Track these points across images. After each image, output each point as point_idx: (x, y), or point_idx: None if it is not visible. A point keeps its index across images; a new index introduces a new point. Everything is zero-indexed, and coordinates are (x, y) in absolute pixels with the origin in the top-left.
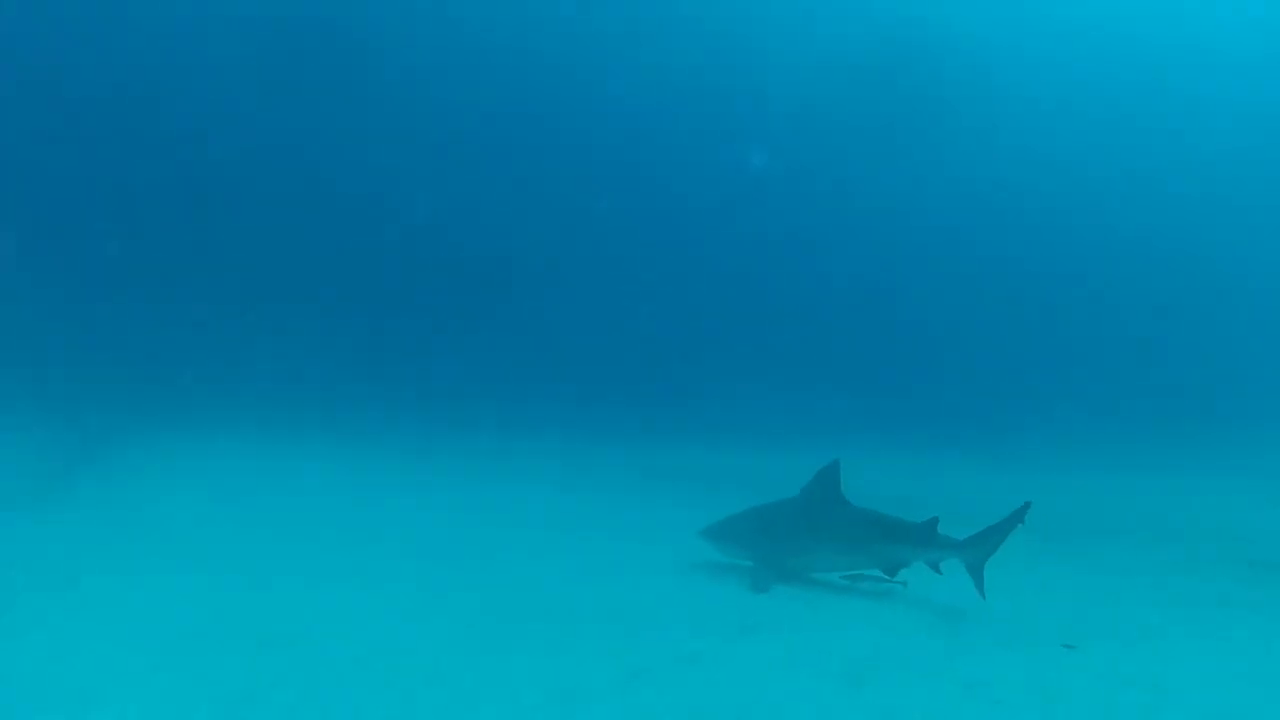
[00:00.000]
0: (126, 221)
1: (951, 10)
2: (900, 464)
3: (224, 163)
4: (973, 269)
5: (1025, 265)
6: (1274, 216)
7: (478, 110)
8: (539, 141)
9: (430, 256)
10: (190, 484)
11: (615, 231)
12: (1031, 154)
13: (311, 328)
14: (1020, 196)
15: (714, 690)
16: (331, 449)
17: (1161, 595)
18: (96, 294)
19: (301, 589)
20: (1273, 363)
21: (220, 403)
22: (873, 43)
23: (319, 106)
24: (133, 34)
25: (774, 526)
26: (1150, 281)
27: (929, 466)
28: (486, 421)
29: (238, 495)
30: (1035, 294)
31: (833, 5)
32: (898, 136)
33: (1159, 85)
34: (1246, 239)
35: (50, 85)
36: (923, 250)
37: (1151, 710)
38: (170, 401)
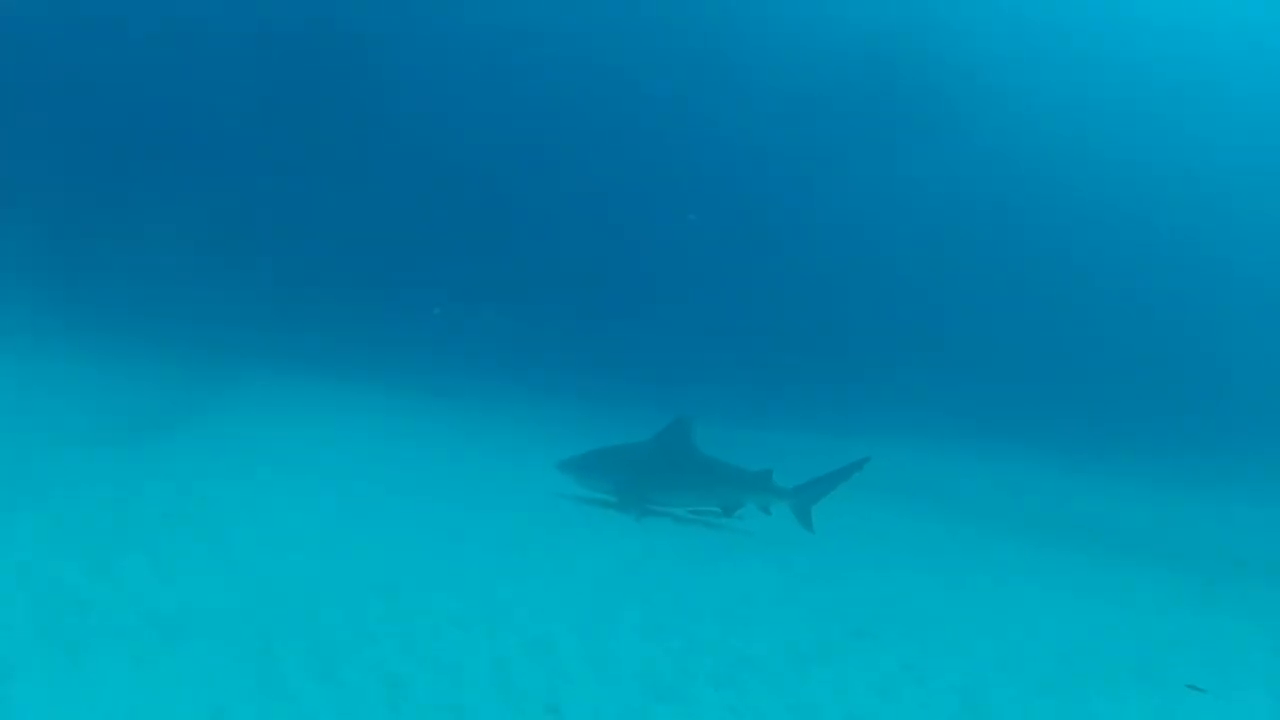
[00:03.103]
0: (251, 188)
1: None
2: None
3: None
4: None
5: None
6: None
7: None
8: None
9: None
10: (295, 417)
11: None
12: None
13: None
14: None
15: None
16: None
17: None
18: (211, 250)
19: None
20: None
21: (324, 354)
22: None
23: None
24: None
25: (630, 464)
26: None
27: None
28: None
29: (333, 426)
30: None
31: None
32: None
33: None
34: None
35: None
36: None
37: None
38: (277, 350)
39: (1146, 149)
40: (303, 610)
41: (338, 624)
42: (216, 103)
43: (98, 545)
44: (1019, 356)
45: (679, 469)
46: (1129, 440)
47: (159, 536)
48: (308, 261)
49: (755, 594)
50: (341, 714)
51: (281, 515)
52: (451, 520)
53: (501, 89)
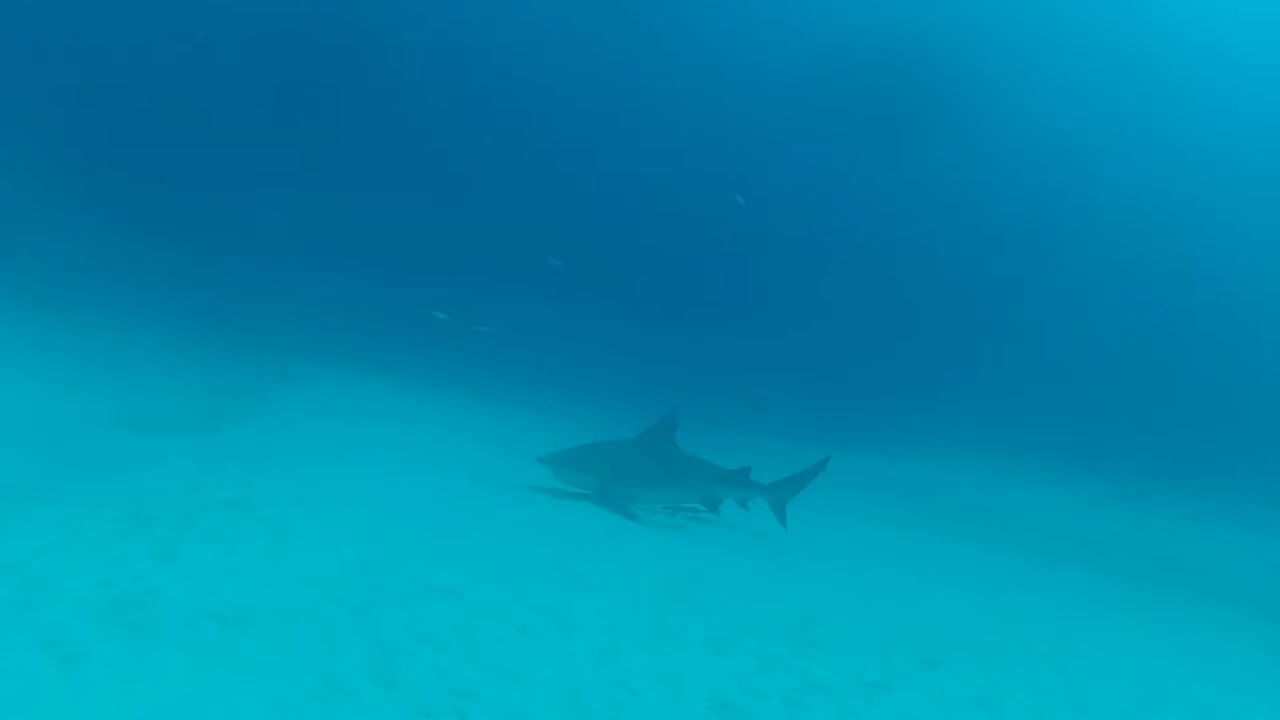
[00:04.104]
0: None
1: None
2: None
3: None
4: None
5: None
6: None
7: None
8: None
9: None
10: (351, 412)
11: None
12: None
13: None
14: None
15: None
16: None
17: None
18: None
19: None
20: None
21: (367, 353)
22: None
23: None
24: None
25: (612, 459)
26: None
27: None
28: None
29: (387, 422)
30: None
31: None
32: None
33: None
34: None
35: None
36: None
37: None
38: (327, 350)
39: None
40: (365, 609)
41: (400, 625)
42: (289, 120)
43: (165, 532)
44: (1076, 380)
45: (660, 465)
46: (1194, 471)
47: (224, 526)
48: (360, 264)
49: (820, 615)
50: None
51: (343, 510)
52: (509, 519)
53: (541, 116)
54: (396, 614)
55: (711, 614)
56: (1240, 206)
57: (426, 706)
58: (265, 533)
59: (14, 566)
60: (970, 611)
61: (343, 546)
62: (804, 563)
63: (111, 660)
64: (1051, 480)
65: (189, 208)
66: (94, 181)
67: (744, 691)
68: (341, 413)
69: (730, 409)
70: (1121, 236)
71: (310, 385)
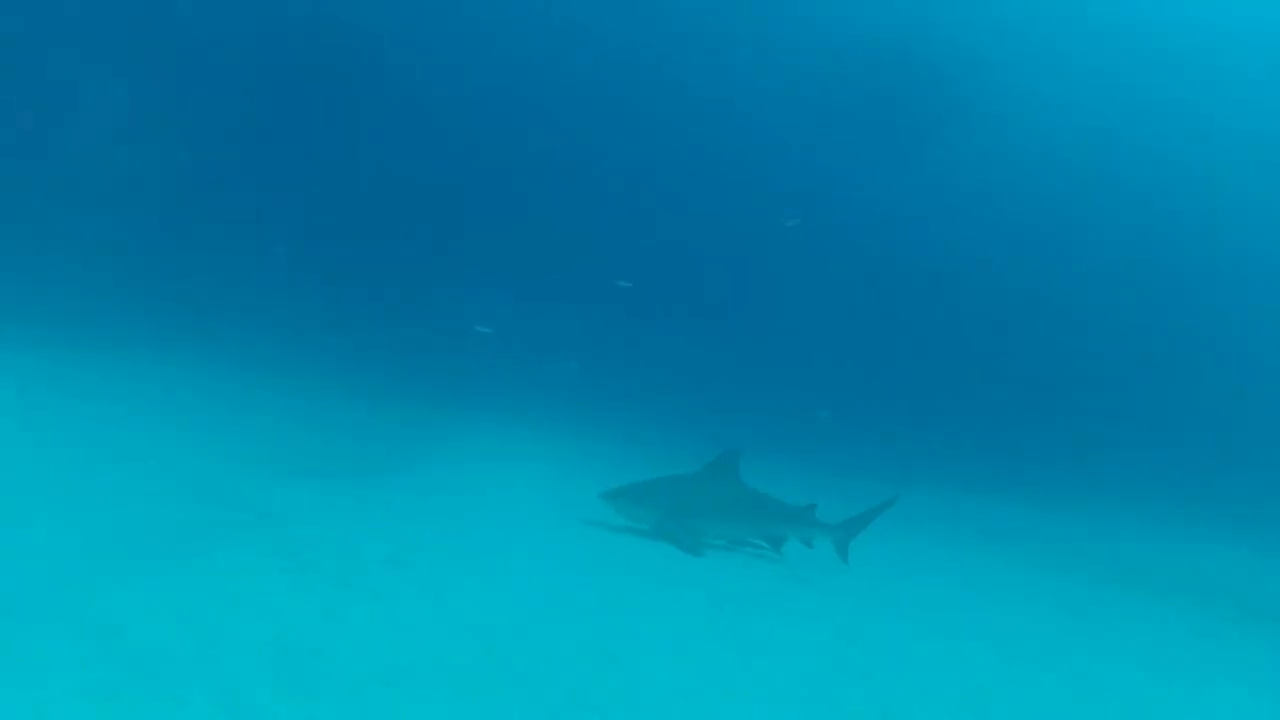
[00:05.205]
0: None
1: None
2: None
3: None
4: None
5: None
6: None
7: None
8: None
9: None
10: (498, 462)
11: None
12: None
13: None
14: None
15: None
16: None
17: None
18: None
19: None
20: None
21: (494, 398)
22: None
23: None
24: None
25: (675, 495)
26: None
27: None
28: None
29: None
30: None
31: None
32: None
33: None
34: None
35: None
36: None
37: None
38: (460, 396)
39: None
40: (527, 673)
41: (564, 692)
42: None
43: (328, 588)
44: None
45: (723, 501)
46: None
47: (384, 583)
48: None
49: (987, 683)
50: None
51: (499, 568)
52: (663, 571)
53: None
54: (560, 678)
55: (871, 679)
56: None
57: None
58: (426, 592)
59: (185, 617)
60: (1152, 688)
61: (503, 607)
62: (946, 615)
63: None
64: (1226, 533)
65: (326, 260)
66: (234, 233)
67: None
68: (490, 459)
69: (795, 435)
70: None
71: (452, 432)
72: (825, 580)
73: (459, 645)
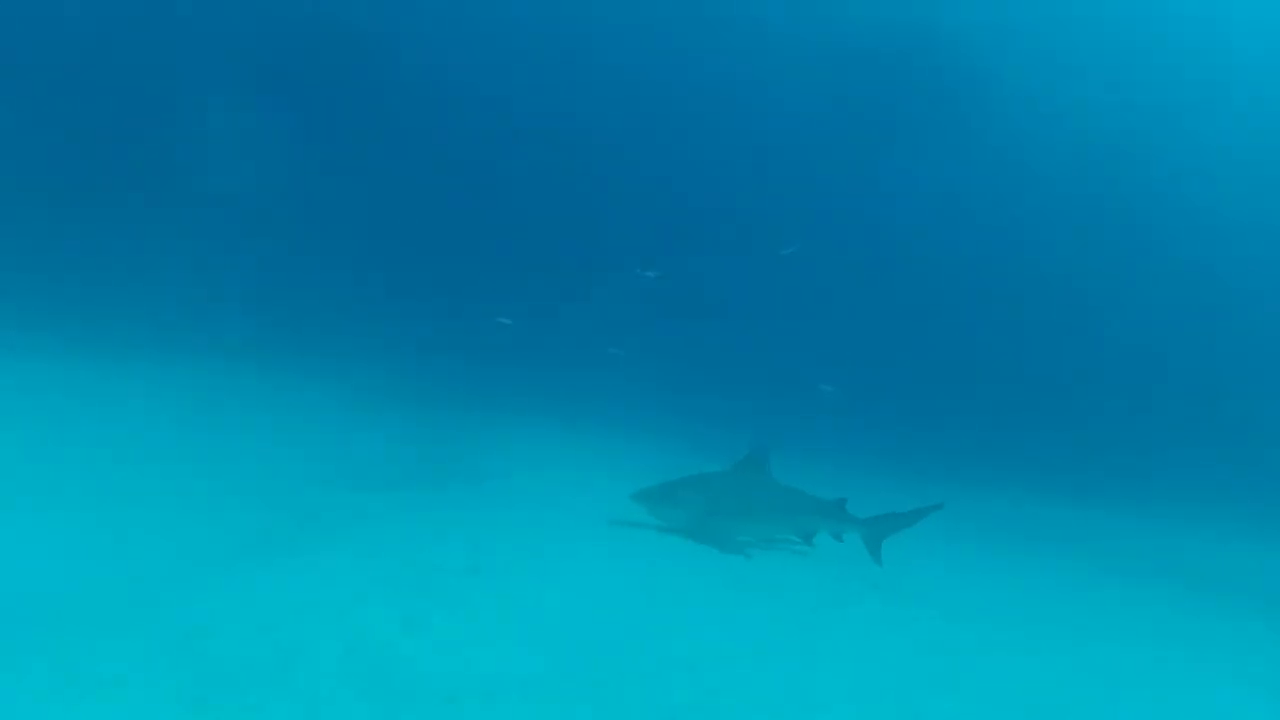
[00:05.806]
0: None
1: None
2: None
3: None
4: None
5: None
6: None
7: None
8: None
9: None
10: (571, 469)
11: None
12: None
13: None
14: None
15: None
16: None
17: None
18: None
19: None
20: None
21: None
22: None
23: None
24: None
25: (706, 493)
26: None
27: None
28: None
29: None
30: None
31: None
32: None
33: None
34: None
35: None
36: None
37: None
38: (518, 399)
39: None
40: (609, 682)
41: (643, 701)
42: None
43: (407, 597)
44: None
45: (754, 497)
46: None
47: (465, 592)
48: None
49: (1075, 706)
50: None
51: (579, 577)
52: (740, 579)
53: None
54: (640, 689)
55: (955, 691)
56: None
57: None
58: (506, 602)
59: (267, 628)
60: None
61: (583, 617)
62: (1022, 630)
63: None
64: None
65: (385, 272)
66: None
67: None
68: (556, 467)
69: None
70: None
71: (518, 440)
72: (891, 584)
73: (542, 658)
